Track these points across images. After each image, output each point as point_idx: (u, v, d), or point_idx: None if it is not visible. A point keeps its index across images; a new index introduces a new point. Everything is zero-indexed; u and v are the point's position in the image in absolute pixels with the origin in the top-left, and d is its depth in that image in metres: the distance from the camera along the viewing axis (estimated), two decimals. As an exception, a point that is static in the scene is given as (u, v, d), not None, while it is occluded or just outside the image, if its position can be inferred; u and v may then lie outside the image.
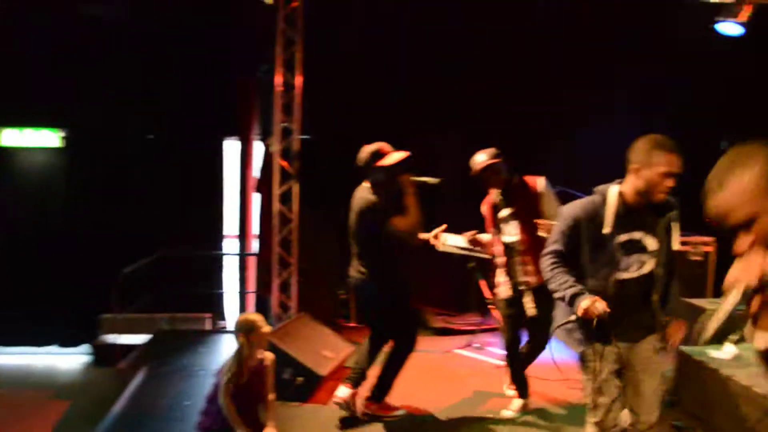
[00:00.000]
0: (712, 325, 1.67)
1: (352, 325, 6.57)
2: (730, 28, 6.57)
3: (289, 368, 4.57)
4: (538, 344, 4.32)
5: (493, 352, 5.88)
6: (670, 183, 2.81)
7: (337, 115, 6.60)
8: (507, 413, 4.43)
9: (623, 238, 2.88)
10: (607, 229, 2.86)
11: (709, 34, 6.67)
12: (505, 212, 4.28)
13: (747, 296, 1.64)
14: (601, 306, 2.77)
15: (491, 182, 4.27)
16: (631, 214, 2.89)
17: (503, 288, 4.33)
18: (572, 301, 2.83)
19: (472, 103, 6.95)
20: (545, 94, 7.10)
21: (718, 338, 4.78)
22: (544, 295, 4.04)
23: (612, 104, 7.34)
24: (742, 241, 1.58)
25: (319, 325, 5.41)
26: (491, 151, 4.27)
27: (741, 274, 1.61)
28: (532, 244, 4.09)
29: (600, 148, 7.43)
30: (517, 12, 6.84)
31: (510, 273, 4.29)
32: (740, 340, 4.74)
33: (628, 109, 7.42)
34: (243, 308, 6.71)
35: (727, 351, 4.62)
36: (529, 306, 4.18)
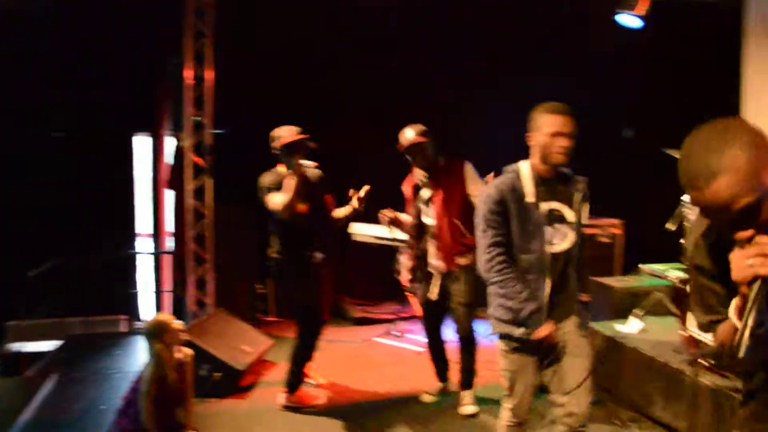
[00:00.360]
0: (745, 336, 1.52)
1: (271, 319, 6.52)
2: (630, 20, 6.88)
3: (207, 365, 4.49)
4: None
5: (412, 339, 5.98)
6: (561, 142, 2.81)
7: (249, 108, 6.50)
8: (427, 397, 4.51)
9: (545, 207, 2.88)
10: (530, 198, 2.84)
11: (611, 26, 6.96)
12: (427, 193, 4.23)
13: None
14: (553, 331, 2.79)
15: (417, 160, 4.21)
16: (545, 185, 2.90)
17: (417, 272, 4.35)
18: (529, 318, 2.78)
19: (386, 94, 6.99)
20: (455, 83, 7.23)
21: (626, 313, 5.04)
22: (458, 281, 4.15)
23: (521, 95, 7.53)
24: (745, 227, 1.44)
25: (236, 320, 5.33)
26: (419, 127, 4.22)
27: (757, 265, 1.41)
28: (449, 229, 4.10)
29: (507, 138, 7.69)
30: (428, 3, 6.92)
31: (424, 257, 4.28)
32: (646, 314, 5.00)
33: (535, 99, 7.63)
34: (159, 308, 6.54)
35: (633, 325, 4.86)
36: (434, 290, 4.20)
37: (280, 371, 5.14)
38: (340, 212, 4.45)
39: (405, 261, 4.45)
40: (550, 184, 2.91)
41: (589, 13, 7.35)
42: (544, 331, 2.80)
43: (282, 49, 6.63)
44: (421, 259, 4.30)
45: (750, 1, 6.36)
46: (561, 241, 2.91)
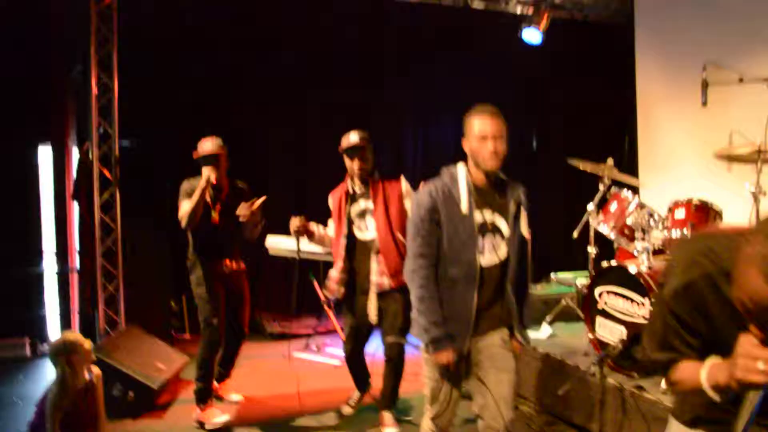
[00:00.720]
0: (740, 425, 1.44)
1: (186, 337, 6.35)
2: (532, 35, 7.22)
3: (119, 383, 4.34)
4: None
5: (330, 352, 5.98)
6: (489, 146, 2.74)
7: (158, 118, 6.34)
8: (347, 409, 4.51)
9: (479, 218, 2.78)
10: (464, 207, 2.75)
11: (517, 42, 7.27)
12: (362, 205, 4.06)
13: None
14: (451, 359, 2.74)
15: (359, 165, 4.00)
16: (480, 193, 2.81)
17: (344, 289, 4.14)
18: (431, 342, 2.75)
19: (299, 101, 7.00)
20: (371, 90, 7.32)
21: (538, 320, 5.24)
22: (395, 300, 3.96)
23: (434, 104, 7.72)
24: None
25: (149, 336, 5.16)
26: (363, 134, 4.10)
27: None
28: (394, 244, 3.93)
29: (424, 146, 7.88)
30: (340, 10, 6.98)
31: (357, 272, 4.08)
32: (553, 321, 5.22)
33: (448, 108, 7.84)
34: (67, 328, 6.24)
35: (544, 331, 5.06)
36: (372, 309, 4.02)
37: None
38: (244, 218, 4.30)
39: (334, 275, 4.16)
40: (486, 192, 2.83)
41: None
42: (442, 358, 2.75)
43: (189, 54, 6.53)
44: (350, 275, 4.11)
45: (639, 20, 6.81)
46: (493, 253, 2.81)
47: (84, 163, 6.08)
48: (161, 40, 6.35)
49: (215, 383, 4.50)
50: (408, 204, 3.96)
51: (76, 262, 6.34)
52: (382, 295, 4.00)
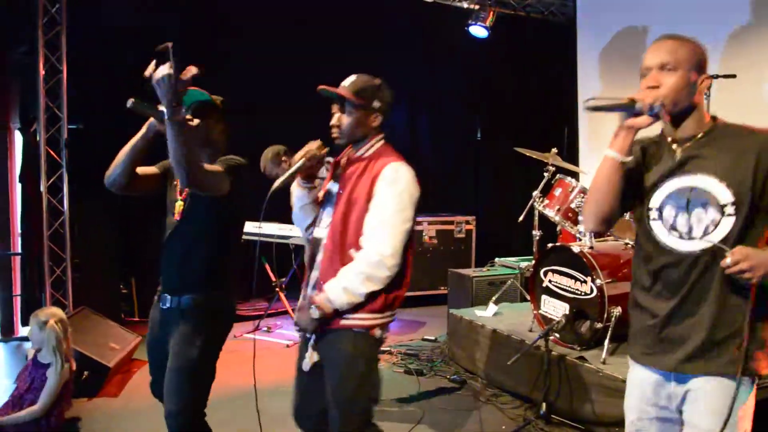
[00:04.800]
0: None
1: (135, 320, 6.33)
2: (478, 30, 7.49)
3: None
4: None
5: (281, 333, 6.09)
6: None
7: (106, 100, 6.27)
8: None
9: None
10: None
11: (465, 36, 7.51)
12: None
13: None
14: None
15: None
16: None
17: None
18: None
19: (260, 88, 7.02)
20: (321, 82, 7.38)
21: (484, 301, 5.47)
22: None
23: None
24: None
25: (101, 317, 5.15)
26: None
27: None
28: None
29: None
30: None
31: None
32: (498, 301, 5.46)
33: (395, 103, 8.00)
34: (10, 314, 6.12)
35: (490, 310, 5.29)
36: None
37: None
38: None
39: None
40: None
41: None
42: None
43: (140, 34, 6.45)
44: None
45: (581, 19, 7.16)
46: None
47: (30, 145, 5.97)
48: (108, 22, 6.27)
49: None
50: None
51: (18, 245, 6.23)
52: None
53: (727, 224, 1.82)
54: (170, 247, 2.74)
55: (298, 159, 2.55)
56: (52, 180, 5.93)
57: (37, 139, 5.90)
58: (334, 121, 2.61)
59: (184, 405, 2.66)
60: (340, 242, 2.49)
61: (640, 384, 2.02)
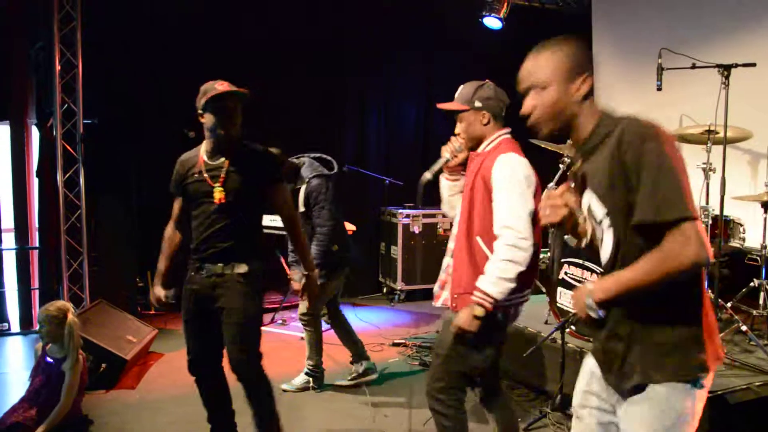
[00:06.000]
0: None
1: (152, 313, 6.36)
2: (492, 22, 7.43)
3: (91, 356, 4.37)
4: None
5: (296, 326, 6.09)
6: None
7: (122, 96, 6.31)
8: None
9: None
10: None
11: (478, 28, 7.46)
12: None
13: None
14: None
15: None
16: None
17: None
18: None
19: (265, 83, 7.03)
20: (337, 76, 7.40)
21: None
22: None
23: (395, 90, 7.86)
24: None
25: (118, 311, 5.19)
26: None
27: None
28: None
29: (386, 130, 8.02)
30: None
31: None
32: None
33: (409, 95, 8.00)
34: (28, 307, 6.18)
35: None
36: None
37: (166, 361, 5.10)
38: None
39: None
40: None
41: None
42: None
43: (154, 31, 6.49)
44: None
45: (596, 9, 7.08)
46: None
47: (47, 141, 6.02)
48: (126, 17, 6.31)
49: None
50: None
51: (36, 239, 6.28)
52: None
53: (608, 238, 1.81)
54: (220, 225, 3.05)
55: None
56: (68, 174, 5.97)
57: (54, 134, 5.95)
58: (456, 130, 2.90)
59: (252, 351, 3.11)
60: (465, 231, 2.75)
61: (589, 372, 2.02)
